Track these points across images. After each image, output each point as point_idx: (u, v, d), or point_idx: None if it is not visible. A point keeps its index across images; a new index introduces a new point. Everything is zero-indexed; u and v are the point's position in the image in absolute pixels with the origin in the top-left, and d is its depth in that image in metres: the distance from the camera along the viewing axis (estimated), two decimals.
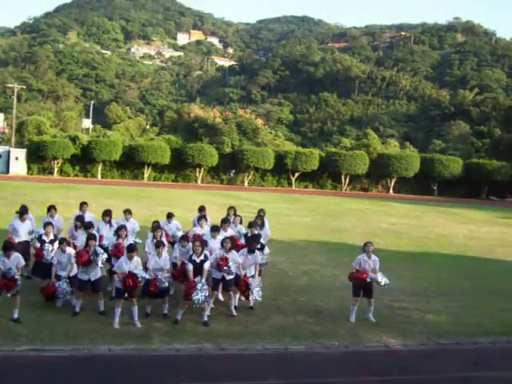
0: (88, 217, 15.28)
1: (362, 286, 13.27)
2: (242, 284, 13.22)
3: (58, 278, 12.68)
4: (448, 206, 48.33)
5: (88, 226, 13.96)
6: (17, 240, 14.38)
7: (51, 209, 15.43)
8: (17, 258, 11.77)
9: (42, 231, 14.13)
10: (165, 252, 12.77)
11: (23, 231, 14.63)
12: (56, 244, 13.30)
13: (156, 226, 14.26)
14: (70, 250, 12.86)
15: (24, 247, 14.32)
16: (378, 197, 57.04)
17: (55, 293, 12.51)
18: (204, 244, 12.88)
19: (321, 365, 10.76)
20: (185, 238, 13.80)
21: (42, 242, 13.80)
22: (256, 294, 13.25)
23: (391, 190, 63.17)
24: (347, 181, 62.81)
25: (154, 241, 13.44)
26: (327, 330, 12.55)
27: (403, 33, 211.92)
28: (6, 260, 11.57)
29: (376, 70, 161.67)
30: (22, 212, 14.84)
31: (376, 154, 64.24)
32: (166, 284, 12.44)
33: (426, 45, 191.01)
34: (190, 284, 12.14)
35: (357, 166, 61.60)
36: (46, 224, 14.18)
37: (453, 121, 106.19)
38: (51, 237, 13.87)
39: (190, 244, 13.39)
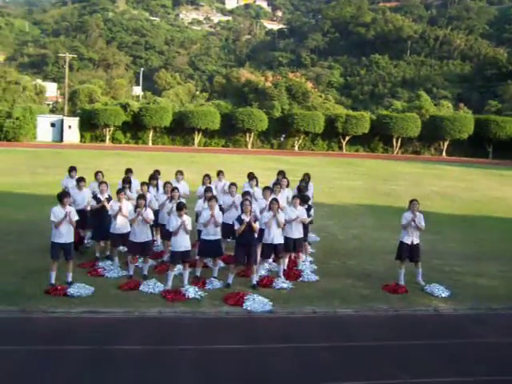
0: (134, 183, 15.54)
1: (406, 250, 13.12)
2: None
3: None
4: (503, 169, 47.11)
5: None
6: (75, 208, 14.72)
7: (98, 173, 15.76)
8: (71, 209, 12.12)
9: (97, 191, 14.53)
10: (217, 207, 12.90)
11: (81, 199, 14.68)
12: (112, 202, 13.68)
13: (208, 183, 15.11)
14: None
15: (82, 216, 14.65)
16: (430, 160, 56.00)
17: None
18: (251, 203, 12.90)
19: (369, 328, 10.75)
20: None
21: (98, 200, 14.17)
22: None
23: (444, 153, 61.81)
24: (399, 144, 61.77)
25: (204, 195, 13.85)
26: (376, 294, 12.52)
27: None
28: (62, 210, 11.92)
29: (429, 30, 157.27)
30: (79, 180, 15.00)
31: (428, 116, 62.78)
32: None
33: (483, 0, 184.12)
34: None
35: (409, 129, 60.40)
36: (101, 183, 14.55)
37: (510, 80, 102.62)
38: (106, 195, 14.24)
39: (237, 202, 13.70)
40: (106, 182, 14.63)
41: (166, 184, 14.71)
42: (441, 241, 17.77)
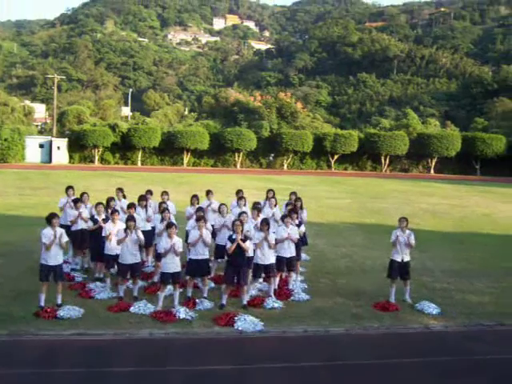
0: (123, 203, 15.54)
1: (397, 268, 13.16)
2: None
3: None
4: (491, 186, 47.47)
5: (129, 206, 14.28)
6: (73, 228, 14.75)
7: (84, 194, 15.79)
8: (61, 231, 12.09)
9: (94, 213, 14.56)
10: (205, 228, 12.91)
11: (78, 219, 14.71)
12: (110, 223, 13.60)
13: (196, 203, 15.21)
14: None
15: (82, 235, 14.65)
16: (418, 177, 56.34)
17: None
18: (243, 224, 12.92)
19: (361, 346, 10.74)
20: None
21: (95, 221, 14.16)
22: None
23: (432, 170, 62.25)
24: (387, 162, 62.16)
25: (194, 217, 13.78)
26: (367, 312, 12.51)
27: (443, 9, 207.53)
28: (51, 232, 11.89)
29: (415, 49, 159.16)
30: (76, 201, 15.00)
31: (416, 133, 63.26)
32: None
33: (466, 20, 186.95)
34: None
35: (397, 147, 60.81)
36: (98, 204, 14.55)
37: (496, 98, 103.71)
38: (102, 216, 14.19)
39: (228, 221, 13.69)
40: (102, 203, 14.60)
41: (160, 204, 14.72)
42: (430, 258, 17.82)
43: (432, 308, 12.71)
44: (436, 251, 18.95)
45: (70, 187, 16.09)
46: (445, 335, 11.55)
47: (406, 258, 13.17)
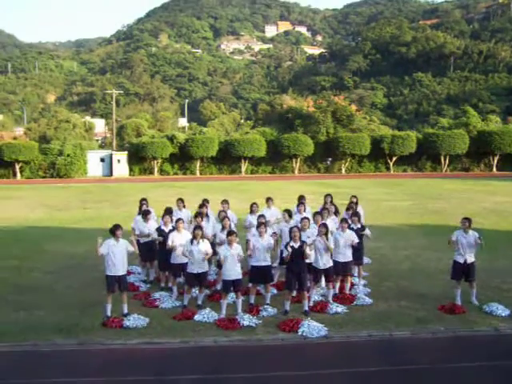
0: (185, 213, 15.71)
1: (460, 269, 12.87)
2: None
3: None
4: None
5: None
6: (142, 240, 15.01)
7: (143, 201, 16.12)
8: (125, 242, 12.35)
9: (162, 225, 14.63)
10: (267, 234, 12.95)
11: (146, 232, 14.95)
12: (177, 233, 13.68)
13: (257, 211, 15.27)
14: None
15: (149, 247, 14.90)
16: (480, 176, 54.97)
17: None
18: (303, 230, 12.91)
19: (427, 350, 10.54)
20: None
21: (161, 232, 14.31)
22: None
23: (494, 168, 60.60)
24: (447, 161, 60.84)
25: (255, 223, 13.83)
26: (432, 315, 12.28)
27: (500, 0, 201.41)
28: (115, 243, 12.20)
29: (472, 44, 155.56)
30: (145, 213, 15.26)
31: (476, 131, 61.74)
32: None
33: None
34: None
35: (456, 146, 59.44)
36: (164, 215, 14.70)
37: None
38: (170, 227, 14.33)
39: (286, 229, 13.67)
40: (169, 215, 14.78)
41: (220, 213, 14.84)
42: (496, 258, 17.35)
43: (501, 310, 12.36)
44: (501, 251, 18.43)
45: (143, 199, 16.36)
46: None
47: (470, 260, 12.85)
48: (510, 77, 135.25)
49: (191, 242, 12.68)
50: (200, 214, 14.42)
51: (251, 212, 15.35)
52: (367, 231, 14.60)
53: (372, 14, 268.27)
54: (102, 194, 39.50)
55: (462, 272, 12.86)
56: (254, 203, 15.67)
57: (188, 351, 10.61)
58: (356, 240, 13.68)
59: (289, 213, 14.75)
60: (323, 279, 13.64)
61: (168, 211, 15.05)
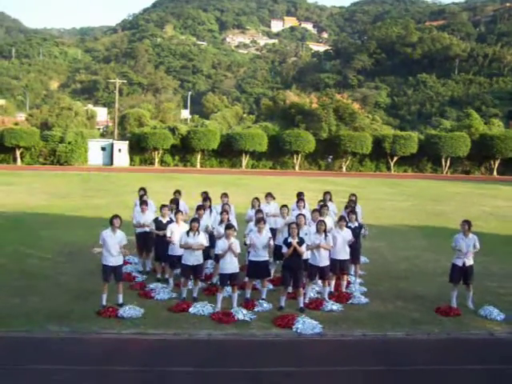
0: (181, 205, 15.64)
1: (458, 272, 12.84)
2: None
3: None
4: None
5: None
6: (138, 231, 15.02)
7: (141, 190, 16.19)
8: (121, 234, 12.30)
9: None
10: (265, 229, 12.91)
11: (143, 221, 14.88)
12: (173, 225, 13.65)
13: (257, 206, 15.14)
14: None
15: (145, 238, 14.88)
16: (480, 179, 54.92)
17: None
18: (299, 226, 12.86)
19: (421, 352, 10.52)
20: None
21: (159, 224, 14.24)
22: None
23: (495, 172, 60.59)
24: (448, 164, 60.80)
25: (254, 218, 13.76)
26: (428, 317, 12.26)
27: (508, 4, 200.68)
28: (111, 234, 12.16)
29: (477, 47, 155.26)
30: (142, 204, 15.20)
31: (478, 134, 61.69)
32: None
33: None
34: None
35: (458, 148, 59.39)
36: (163, 206, 14.60)
37: None
38: (167, 218, 14.30)
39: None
40: (167, 206, 14.72)
41: (224, 206, 14.78)
42: (494, 262, 17.33)
43: (496, 313, 12.34)
44: (500, 255, 18.41)
45: (141, 189, 16.32)
46: (510, 342, 11.19)
47: (469, 262, 12.81)
48: None
49: (187, 233, 12.64)
50: (202, 207, 14.38)
51: (252, 207, 15.29)
52: (364, 230, 14.57)
53: (379, 13, 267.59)
54: (102, 183, 39.46)
55: (461, 275, 12.82)
56: (256, 198, 15.62)
57: (181, 343, 10.59)
58: (351, 238, 13.64)
59: (286, 209, 14.72)
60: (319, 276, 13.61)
61: (174, 202, 15.06)
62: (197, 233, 12.63)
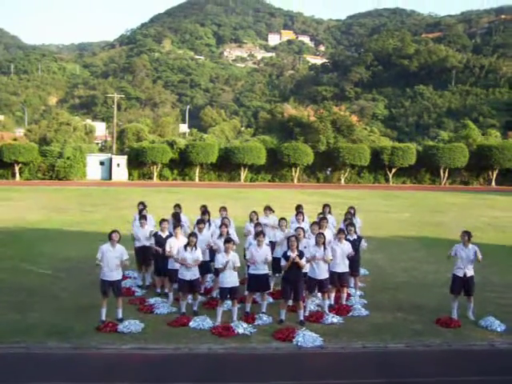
0: (182, 219, 15.65)
1: (459, 283, 12.83)
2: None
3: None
4: None
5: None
6: (137, 245, 15.02)
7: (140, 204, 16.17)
8: (121, 249, 12.28)
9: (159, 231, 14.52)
10: (265, 243, 12.92)
11: (142, 236, 14.95)
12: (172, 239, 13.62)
13: (256, 219, 15.20)
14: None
15: (145, 252, 14.88)
16: (479, 190, 55.01)
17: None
18: (298, 239, 12.85)
19: (422, 363, 10.49)
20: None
21: (158, 238, 14.21)
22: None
23: (493, 183, 60.70)
24: (446, 175, 60.93)
25: (252, 232, 13.83)
26: (428, 328, 12.23)
27: (503, 16, 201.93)
28: (111, 248, 12.15)
29: (474, 59, 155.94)
30: (141, 218, 15.20)
31: (476, 145, 61.87)
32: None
33: None
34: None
35: (456, 159, 59.52)
36: (162, 220, 14.61)
37: None
38: (167, 233, 14.29)
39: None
40: (167, 220, 14.73)
41: (223, 219, 14.78)
42: (494, 273, 17.32)
43: (497, 324, 12.32)
44: (499, 265, 18.40)
45: (140, 203, 16.34)
46: (511, 353, 11.17)
47: (469, 273, 12.79)
48: (510, 92, 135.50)
49: (185, 248, 12.64)
50: (202, 221, 14.38)
51: (250, 220, 15.30)
52: (363, 243, 14.58)
53: (375, 26, 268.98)
54: (101, 198, 39.45)
55: (462, 286, 12.80)
56: (254, 212, 15.63)
57: (182, 358, 10.56)
58: (351, 251, 13.65)
59: (285, 222, 14.74)
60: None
61: (175, 216, 15.09)
62: (194, 248, 12.62)
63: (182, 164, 60.15)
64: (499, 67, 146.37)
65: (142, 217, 15.16)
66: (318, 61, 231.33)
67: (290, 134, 67.83)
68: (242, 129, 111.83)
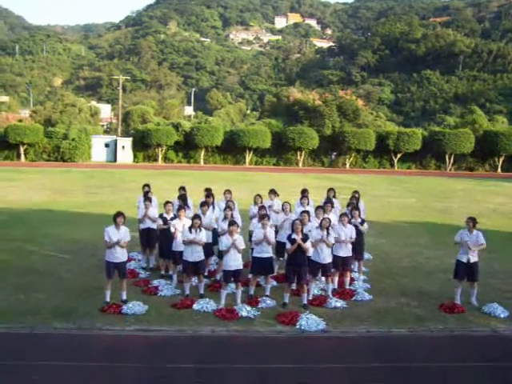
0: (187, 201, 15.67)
1: (463, 269, 12.82)
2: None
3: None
4: None
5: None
6: (142, 227, 15.08)
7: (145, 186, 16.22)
8: (126, 231, 12.31)
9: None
10: (269, 225, 12.92)
11: (147, 217, 14.96)
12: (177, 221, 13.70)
13: (260, 202, 15.20)
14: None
15: (149, 234, 14.93)
16: (484, 176, 54.82)
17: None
18: (303, 223, 12.84)
19: (424, 348, 10.52)
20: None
21: (164, 220, 14.28)
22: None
23: (499, 169, 60.45)
24: (452, 160, 60.65)
25: (258, 214, 13.85)
26: (432, 313, 12.25)
27: None
28: (115, 230, 12.16)
29: (482, 44, 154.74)
30: (146, 199, 15.21)
31: (482, 131, 61.52)
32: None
33: None
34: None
35: (462, 145, 59.22)
36: (167, 202, 14.66)
37: None
38: (171, 215, 14.34)
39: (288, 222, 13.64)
40: (171, 202, 14.79)
41: (228, 202, 14.78)
42: (497, 259, 17.29)
43: (500, 311, 12.32)
44: (503, 252, 18.36)
45: (145, 185, 16.35)
46: None
47: (473, 259, 12.77)
48: None
49: (189, 230, 12.65)
50: (205, 203, 14.39)
51: (255, 203, 15.28)
52: (365, 225, 14.54)
53: (382, 10, 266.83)
54: (106, 180, 39.49)
55: (465, 272, 12.79)
56: (258, 195, 15.62)
57: (185, 340, 10.60)
58: (354, 236, 13.64)
59: (288, 205, 14.73)
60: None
61: (181, 198, 15.14)
62: (198, 229, 12.63)
63: (186, 147, 60.01)
64: (508, 52, 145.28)
65: (147, 199, 15.17)
66: (325, 44, 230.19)
67: (296, 118, 67.55)
68: (248, 112, 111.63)
